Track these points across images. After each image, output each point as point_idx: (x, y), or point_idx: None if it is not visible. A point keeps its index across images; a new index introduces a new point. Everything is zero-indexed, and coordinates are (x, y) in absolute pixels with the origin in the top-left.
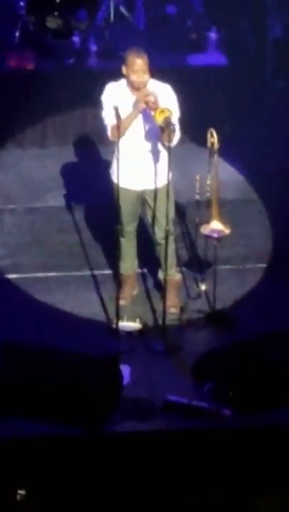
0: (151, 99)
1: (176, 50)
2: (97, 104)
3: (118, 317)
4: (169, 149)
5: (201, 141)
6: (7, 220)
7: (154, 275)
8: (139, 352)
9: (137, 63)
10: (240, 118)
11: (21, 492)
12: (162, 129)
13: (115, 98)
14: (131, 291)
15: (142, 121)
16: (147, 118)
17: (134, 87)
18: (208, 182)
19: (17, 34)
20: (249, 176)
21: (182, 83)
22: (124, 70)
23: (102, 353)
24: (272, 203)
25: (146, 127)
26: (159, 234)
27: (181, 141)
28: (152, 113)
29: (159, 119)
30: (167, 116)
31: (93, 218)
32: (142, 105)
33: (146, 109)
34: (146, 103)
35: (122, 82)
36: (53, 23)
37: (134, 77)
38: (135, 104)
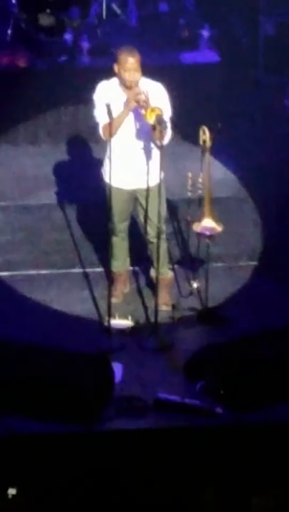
0: (142, 97)
1: (169, 48)
2: (89, 102)
3: (110, 315)
4: (160, 148)
5: (193, 138)
6: None
7: (146, 273)
8: (131, 349)
9: (129, 62)
10: (232, 115)
11: (12, 491)
12: (154, 128)
13: (107, 97)
14: (123, 289)
15: (134, 120)
16: (139, 117)
17: (126, 86)
18: (200, 179)
19: (9, 31)
20: (241, 174)
21: (175, 81)
22: (116, 68)
23: (94, 351)
24: (264, 201)
25: (138, 126)
26: (151, 232)
27: (174, 138)
28: (143, 112)
29: (150, 118)
30: (158, 115)
31: (85, 216)
32: (133, 104)
33: (138, 107)
34: (138, 102)
35: (114, 80)
36: (45, 20)
37: (126, 76)
38: (126, 103)
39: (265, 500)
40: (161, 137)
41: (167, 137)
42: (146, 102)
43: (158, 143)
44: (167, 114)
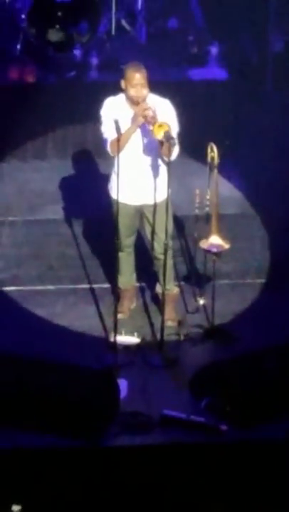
0: (150, 113)
1: (178, 64)
2: (97, 117)
3: (116, 331)
4: (168, 164)
5: (201, 155)
6: (6, 232)
7: (152, 289)
8: (137, 366)
9: (136, 78)
10: (240, 132)
11: (16, 508)
12: (161, 144)
13: (114, 112)
14: (129, 304)
15: (141, 135)
16: (146, 133)
17: (133, 102)
18: (207, 196)
19: (18, 46)
20: (249, 191)
21: (183, 97)
22: (123, 84)
23: (100, 367)
24: (271, 218)
25: (145, 142)
26: (158, 249)
27: (181, 155)
28: (151, 127)
29: (158, 134)
30: (166, 131)
31: (92, 232)
32: (141, 120)
33: (145, 123)
34: (145, 117)
35: (121, 96)
36: (54, 35)
37: (132, 92)
38: (134, 119)
39: None
40: (169, 153)
41: (175, 153)
42: (154, 117)
43: (165, 159)
44: (175, 129)
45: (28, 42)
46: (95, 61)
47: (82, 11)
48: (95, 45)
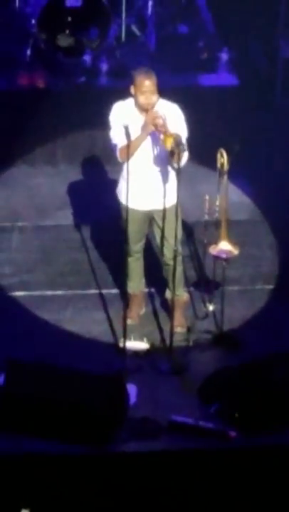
0: (160, 122)
1: (187, 70)
2: (107, 123)
3: (125, 336)
4: (177, 170)
5: (210, 161)
6: (15, 237)
7: (162, 294)
8: (146, 371)
9: (145, 85)
10: (250, 138)
11: None
12: (172, 153)
13: (123, 118)
14: (138, 310)
15: (151, 142)
16: (155, 139)
17: (143, 108)
18: (217, 202)
19: (28, 52)
20: (258, 197)
21: (193, 103)
22: (132, 89)
23: (109, 372)
24: (280, 224)
25: (155, 149)
26: (167, 254)
27: (191, 161)
28: (161, 136)
29: (168, 143)
30: (176, 140)
31: (101, 237)
32: (151, 127)
33: (155, 131)
34: (155, 126)
35: (130, 101)
36: (64, 41)
37: (142, 99)
38: (144, 127)
39: None
40: (179, 160)
41: (184, 159)
42: (164, 126)
43: (175, 165)
44: (183, 135)
45: (38, 47)
46: (104, 67)
47: (92, 17)
48: (105, 50)
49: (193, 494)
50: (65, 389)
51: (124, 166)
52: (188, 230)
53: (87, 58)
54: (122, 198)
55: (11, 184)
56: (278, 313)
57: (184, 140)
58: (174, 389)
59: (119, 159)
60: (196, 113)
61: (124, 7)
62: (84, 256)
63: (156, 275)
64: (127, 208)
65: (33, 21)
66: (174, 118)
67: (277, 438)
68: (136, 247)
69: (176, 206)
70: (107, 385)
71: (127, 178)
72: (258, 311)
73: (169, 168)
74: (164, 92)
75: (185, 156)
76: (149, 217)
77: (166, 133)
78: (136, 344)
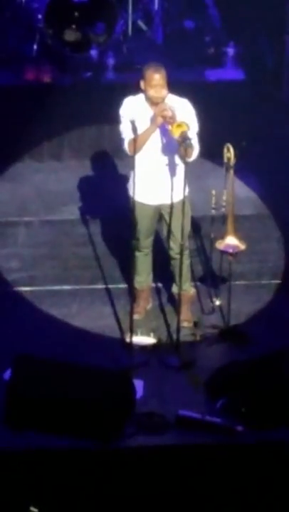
0: (169, 113)
1: (194, 65)
2: (113, 118)
3: (132, 331)
4: (186, 164)
5: (217, 156)
6: (22, 232)
7: (169, 289)
8: (153, 366)
9: (155, 78)
10: (256, 133)
11: (34, 510)
12: (180, 143)
13: (133, 112)
14: (145, 305)
15: (160, 135)
16: (165, 133)
17: (152, 102)
18: (224, 197)
19: (35, 47)
20: (265, 192)
21: (199, 98)
22: (142, 84)
23: (116, 367)
24: (287, 219)
25: (164, 142)
26: (174, 249)
27: (198, 155)
28: (169, 127)
29: (176, 133)
30: (184, 131)
31: (108, 232)
32: (160, 120)
33: (164, 123)
34: (164, 117)
35: (140, 96)
36: (71, 36)
37: (151, 92)
38: (153, 119)
39: None
40: (186, 153)
41: (195, 153)
42: (173, 117)
43: (186, 159)
44: (194, 129)
45: (45, 42)
46: (111, 62)
47: (99, 12)
48: (112, 45)
49: (199, 489)
50: (72, 384)
51: (134, 161)
52: (195, 225)
53: (93, 53)
54: (132, 192)
55: (18, 179)
56: (285, 307)
57: (194, 134)
58: (181, 384)
59: (128, 153)
60: (203, 108)
61: (130, 2)
62: (91, 251)
63: (163, 270)
64: (135, 203)
65: (40, 16)
66: (184, 113)
67: (284, 433)
68: (145, 242)
69: (184, 201)
70: (114, 380)
71: (135, 173)
72: (264, 305)
73: (178, 162)
74: (170, 86)
75: (196, 151)
76: (159, 212)
77: (174, 123)
78: (143, 339)
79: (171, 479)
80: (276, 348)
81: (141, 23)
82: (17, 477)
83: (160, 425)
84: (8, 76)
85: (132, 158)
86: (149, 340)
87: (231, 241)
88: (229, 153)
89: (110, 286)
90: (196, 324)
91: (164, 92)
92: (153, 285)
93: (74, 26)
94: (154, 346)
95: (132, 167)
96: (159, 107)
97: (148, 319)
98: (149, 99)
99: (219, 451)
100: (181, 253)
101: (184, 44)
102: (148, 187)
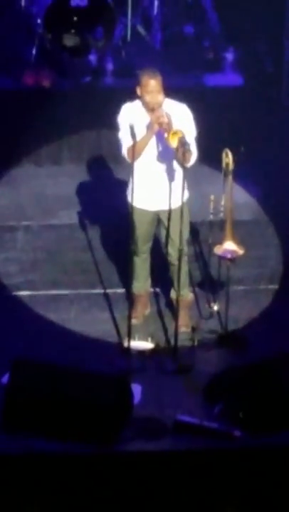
0: (165, 120)
1: (193, 70)
2: (112, 122)
3: (130, 336)
4: (185, 169)
5: (215, 161)
6: (20, 236)
7: (167, 294)
8: (151, 371)
9: (151, 84)
10: (255, 139)
11: None
12: (177, 150)
13: (131, 118)
14: (143, 310)
15: (157, 142)
16: (162, 139)
17: (149, 108)
18: (222, 202)
19: (34, 51)
20: (263, 197)
21: (198, 103)
22: (138, 90)
23: (114, 372)
24: (285, 224)
25: (161, 148)
26: (173, 254)
27: (197, 161)
28: (166, 135)
29: (173, 141)
30: (180, 138)
31: (107, 237)
32: (156, 127)
33: (161, 130)
34: (160, 125)
35: (138, 102)
36: (70, 40)
37: (148, 98)
38: (149, 126)
39: None
40: (185, 159)
41: (193, 158)
42: (169, 124)
43: (184, 164)
44: (192, 134)
45: (44, 47)
46: (110, 66)
47: (98, 16)
48: (111, 50)
49: (197, 494)
50: (70, 388)
51: (133, 167)
52: (194, 230)
53: (92, 58)
54: (132, 198)
55: (17, 183)
56: (283, 313)
57: (192, 139)
58: (179, 389)
59: (127, 159)
60: (201, 113)
61: (129, 7)
62: (89, 255)
63: (161, 275)
64: (134, 208)
65: (39, 21)
66: (182, 118)
67: (282, 438)
68: (144, 247)
69: (182, 206)
70: (112, 385)
71: (133, 179)
72: (262, 311)
73: (176, 168)
74: (169, 91)
75: (194, 156)
76: (157, 218)
77: (170, 131)
78: (141, 344)
79: (168, 484)
80: (274, 352)
81: (140, 28)
82: (14, 481)
83: (158, 430)
84: (7, 80)
85: (131, 164)
86: (147, 345)
87: (230, 246)
88: (228, 158)
89: (109, 291)
90: (194, 329)
91: (160, 97)
92: (151, 290)
93: (73, 31)
94: (152, 351)
95: (131, 173)
96: (155, 114)
97: (146, 324)
98: (145, 105)
99: (217, 456)
100: (180, 258)
101: (183, 49)
102: (146, 193)
